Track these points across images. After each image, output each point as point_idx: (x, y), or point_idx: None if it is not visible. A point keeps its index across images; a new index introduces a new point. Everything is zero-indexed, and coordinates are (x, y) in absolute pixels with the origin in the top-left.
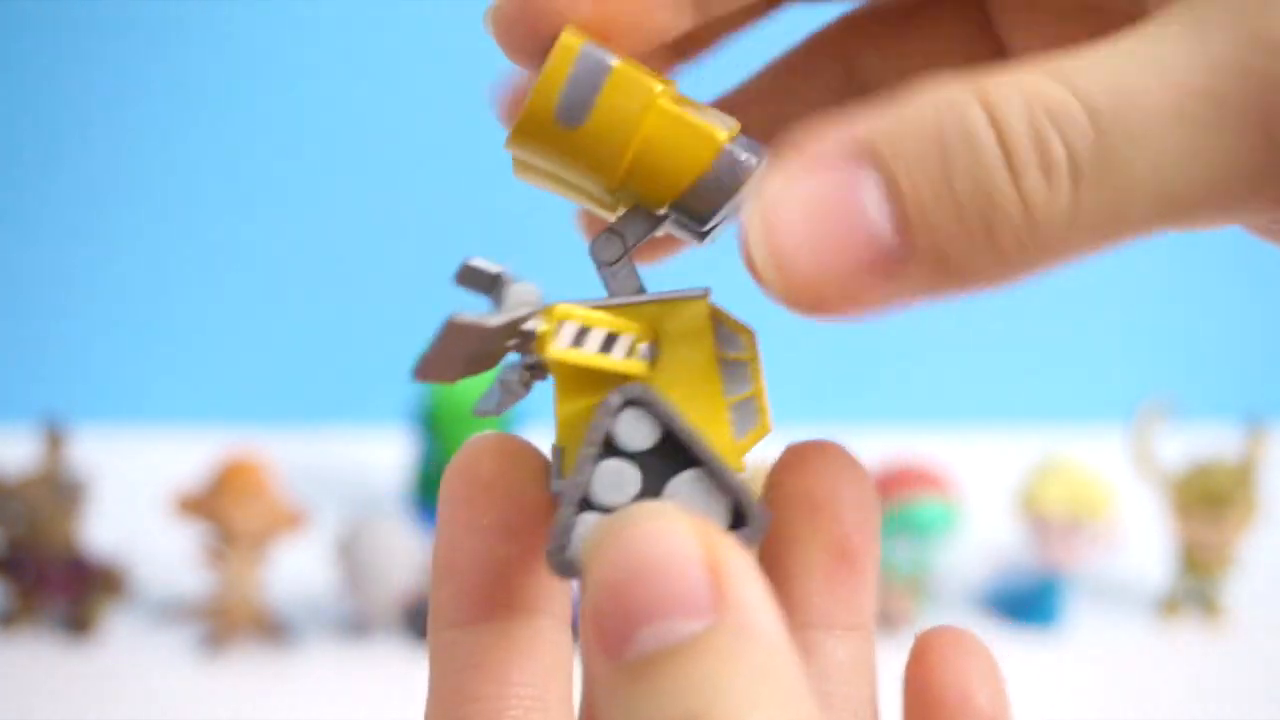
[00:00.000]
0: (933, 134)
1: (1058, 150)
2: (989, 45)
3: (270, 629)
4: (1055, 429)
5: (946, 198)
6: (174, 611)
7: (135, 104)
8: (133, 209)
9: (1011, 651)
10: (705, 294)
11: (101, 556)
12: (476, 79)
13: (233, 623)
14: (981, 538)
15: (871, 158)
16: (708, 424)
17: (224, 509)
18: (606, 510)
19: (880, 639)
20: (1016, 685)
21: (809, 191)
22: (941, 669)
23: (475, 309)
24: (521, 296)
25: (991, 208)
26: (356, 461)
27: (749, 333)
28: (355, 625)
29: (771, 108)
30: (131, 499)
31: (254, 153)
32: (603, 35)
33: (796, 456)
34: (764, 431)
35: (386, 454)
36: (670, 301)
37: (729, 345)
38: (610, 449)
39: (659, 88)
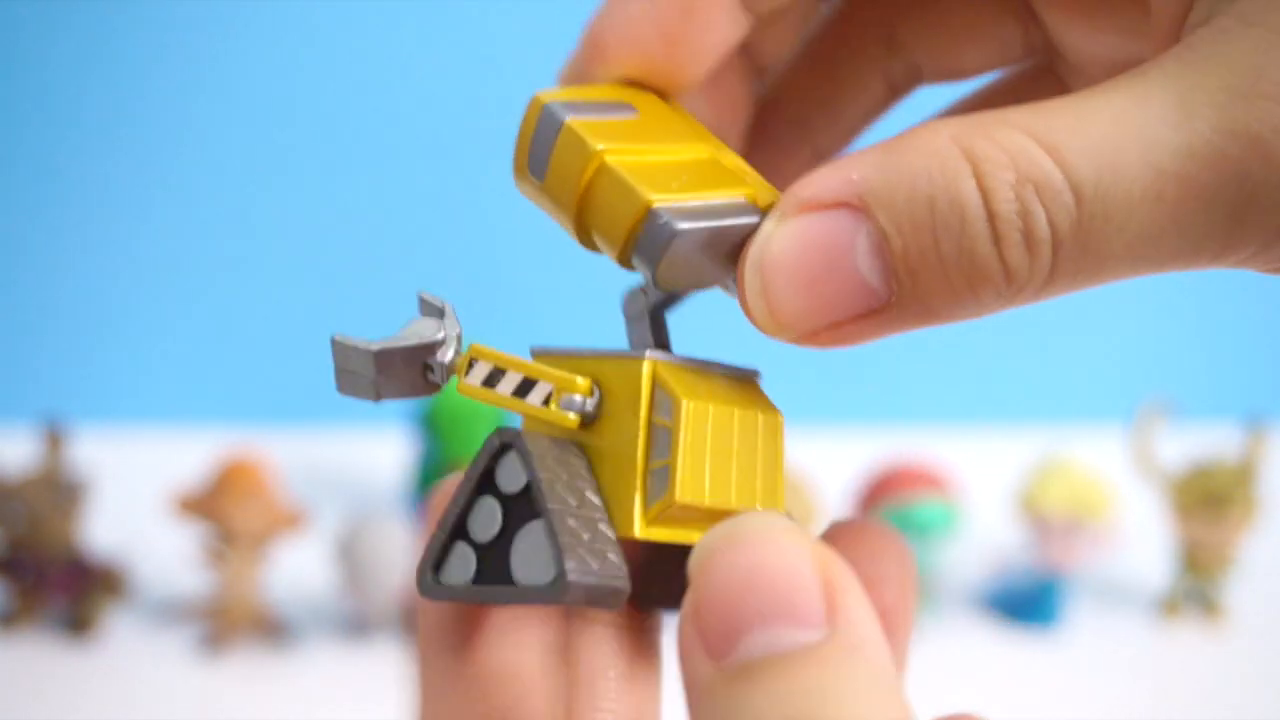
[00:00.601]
0: (924, 196)
1: (1041, 227)
2: (1026, 18)
3: (270, 629)
4: (1055, 429)
5: (933, 258)
6: (174, 611)
7: (135, 105)
8: (133, 209)
9: (1011, 651)
10: (643, 357)
11: (101, 556)
12: (477, 79)
13: (233, 623)
14: (981, 538)
15: (863, 209)
16: (617, 485)
17: (224, 509)
18: (474, 543)
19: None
20: (1016, 685)
21: (801, 236)
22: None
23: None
24: (415, 328)
25: (975, 270)
26: (356, 461)
27: (679, 401)
28: (355, 625)
29: (813, 79)
30: (131, 499)
31: (254, 153)
32: (666, 59)
33: (841, 534)
34: (669, 502)
35: (386, 454)
36: (616, 360)
37: (662, 410)
38: (488, 485)
39: (601, 146)
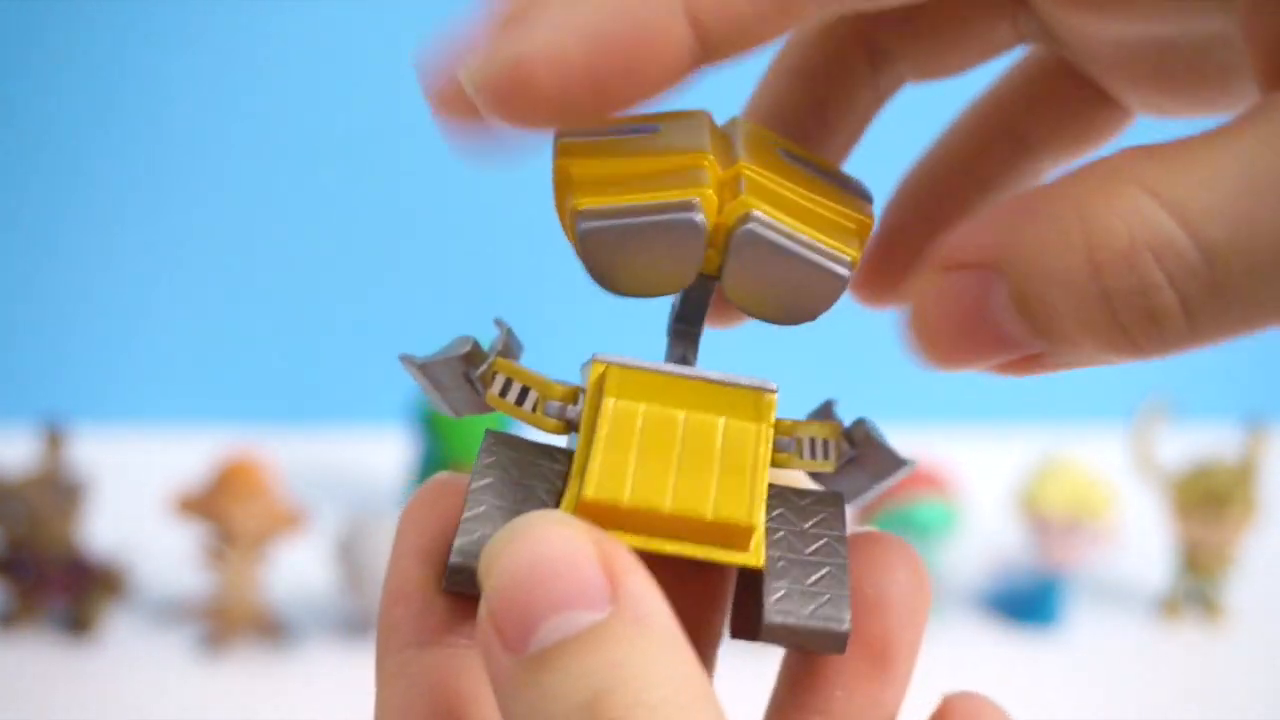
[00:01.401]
0: (1047, 266)
1: (1164, 297)
2: (1015, 9)
3: (270, 629)
4: (1055, 429)
5: (1065, 324)
6: (174, 611)
7: (135, 105)
8: (133, 210)
9: (1011, 651)
10: (593, 360)
11: (101, 556)
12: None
13: (233, 623)
14: (981, 538)
15: (998, 269)
16: (572, 479)
17: (224, 509)
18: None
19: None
20: (1016, 685)
21: (947, 290)
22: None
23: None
24: (452, 344)
25: (1101, 341)
26: (356, 461)
27: (602, 400)
28: (355, 625)
29: (797, 101)
30: (131, 499)
31: (255, 154)
32: (602, 89)
33: (850, 547)
34: (578, 497)
35: (386, 454)
36: (588, 365)
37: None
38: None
39: (564, 160)
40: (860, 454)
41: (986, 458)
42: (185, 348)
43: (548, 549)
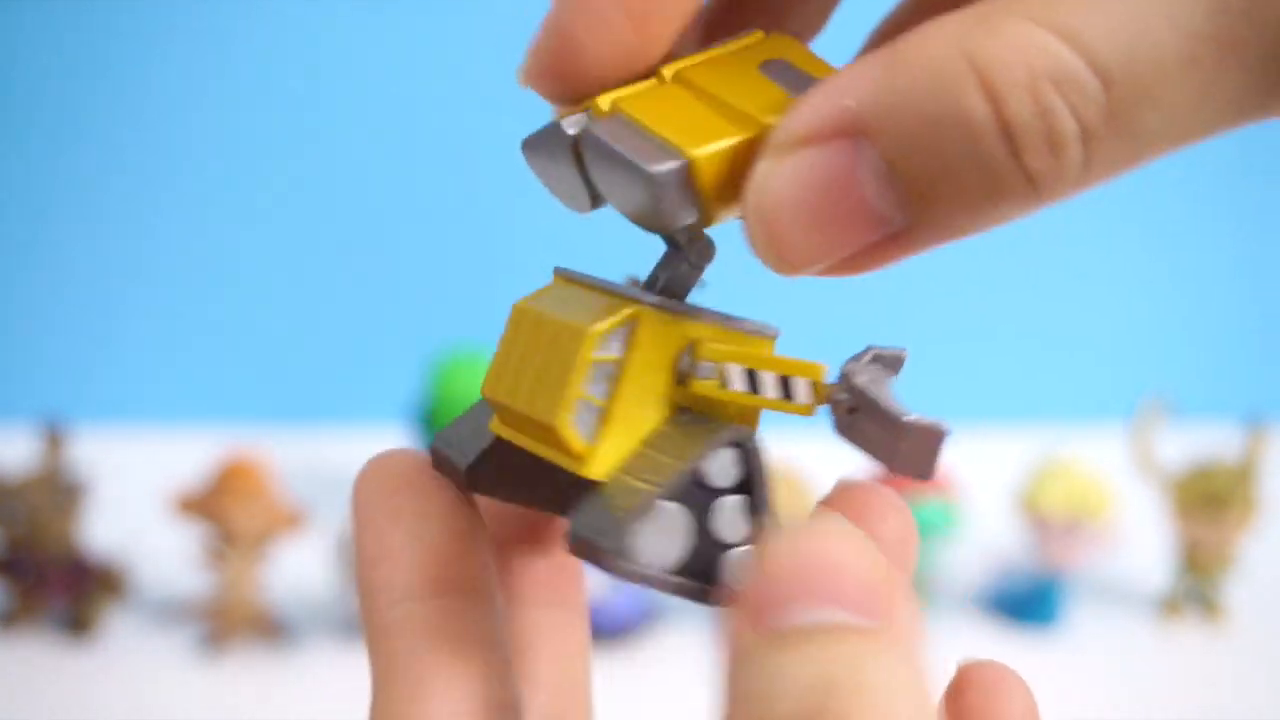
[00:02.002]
0: (929, 117)
1: (1066, 124)
2: None
3: (270, 629)
4: (1055, 429)
5: (948, 180)
6: (174, 611)
7: (135, 106)
8: (133, 210)
9: (1011, 651)
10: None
11: (101, 556)
12: (477, 79)
13: (233, 623)
14: (981, 538)
15: (865, 135)
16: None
17: (224, 509)
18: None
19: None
20: None
21: (801, 174)
22: (982, 708)
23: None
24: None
25: (996, 185)
26: (356, 461)
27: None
28: (355, 625)
29: None
30: (131, 499)
31: (254, 154)
32: (639, 40)
33: (845, 496)
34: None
35: None
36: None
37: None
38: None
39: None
40: (859, 406)
41: (986, 458)
42: (185, 348)
43: (840, 551)
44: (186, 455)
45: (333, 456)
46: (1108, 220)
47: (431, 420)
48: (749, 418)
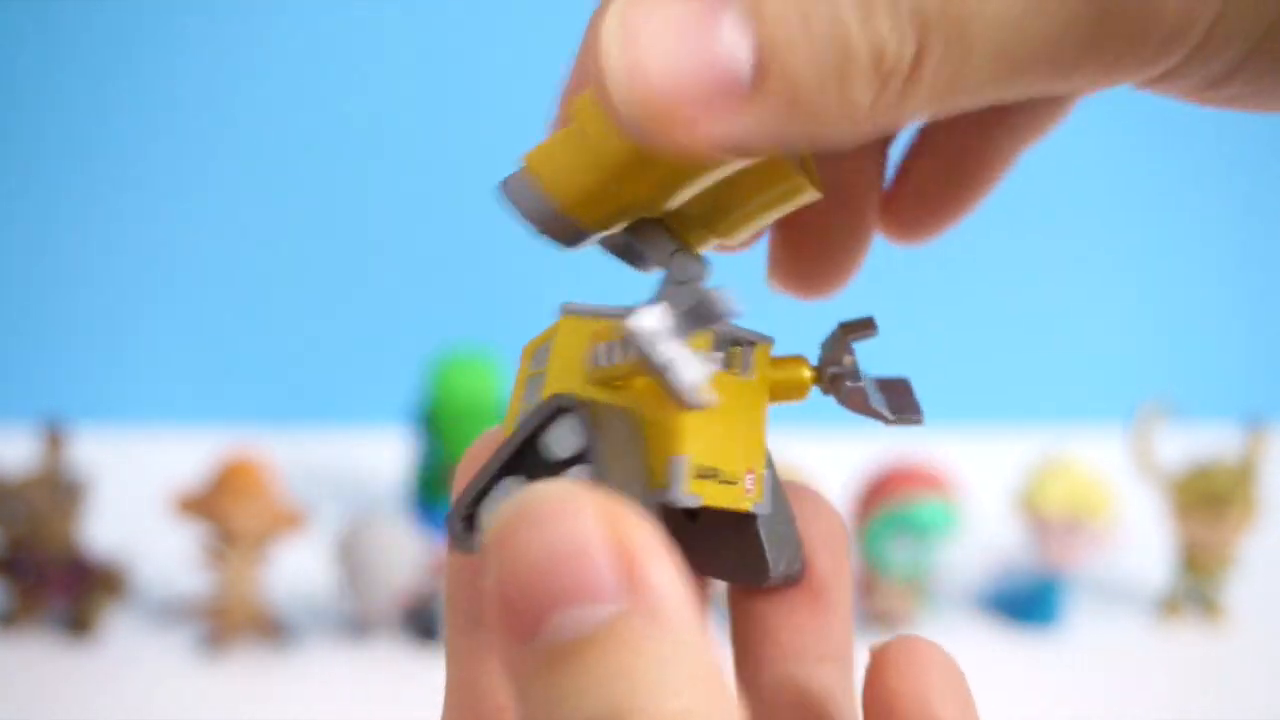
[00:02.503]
0: None
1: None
2: None
3: (270, 629)
4: (1055, 429)
5: (802, 36)
6: (174, 611)
7: (135, 105)
8: (133, 210)
9: (1011, 651)
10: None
11: (101, 556)
12: (478, 82)
13: (233, 623)
14: (981, 538)
15: None
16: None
17: (224, 509)
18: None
19: (881, 641)
20: (1016, 685)
21: (670, 6)
22: (899, 684)
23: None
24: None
25: (845, 52)
26: (356, 461)
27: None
28: (355, 625)
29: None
30: (131, 499)
31: (254, 154)
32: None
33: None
34: None
35: (386, 454)
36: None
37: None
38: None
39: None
40: (845, 375)
41: (986, 458)
42: (185, 348)
43: (556, 529)
44: (186, 455)
45: (333, 457)
46: (1108, 220)
47: (432, 421)
48: (656, 397)
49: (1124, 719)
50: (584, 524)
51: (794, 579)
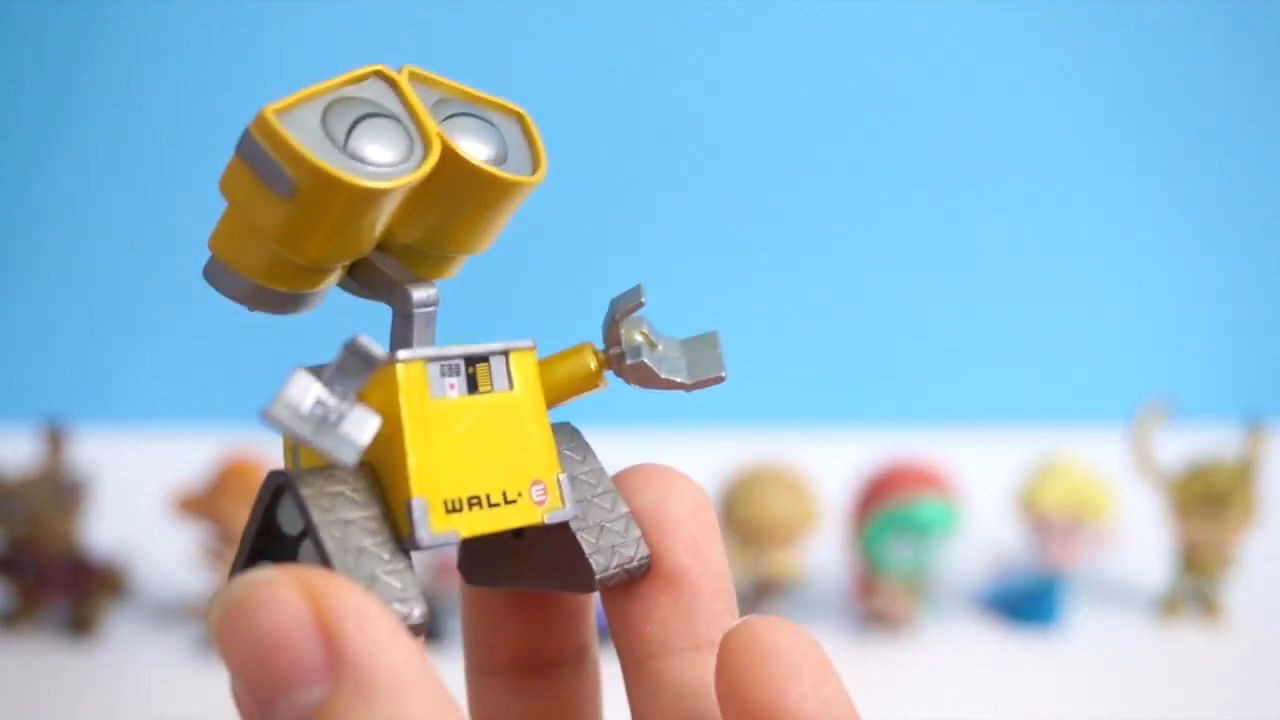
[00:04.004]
0: None
1: None
2: None
3: None
4: (1055, 429)
5: None
6: (174, 611)
7: (136, 105)
8: (133, 209)
9: (1011, 651)
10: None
11: (102, 556)
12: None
13: None
14: (981, 538)
15: None
16: None
17: (224, 509)
18: None
19: (882, 640)
20: (1016, 685)
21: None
22: (741, 674)
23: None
24: None
25: None
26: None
27: None
28: None
29: None
30: (131, 499)
31: None
32: None
33: (628, 480)
34: None
35: None
36: None
37: None
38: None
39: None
40: (626, 353)
41: (986, 458)
42: (185, 348)
43: (259, 623)
44: (186, 455)
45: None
46: (1108, 220)
47: None
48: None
49: (1124, 719)
50: (284, 611)
51: (638, 573)
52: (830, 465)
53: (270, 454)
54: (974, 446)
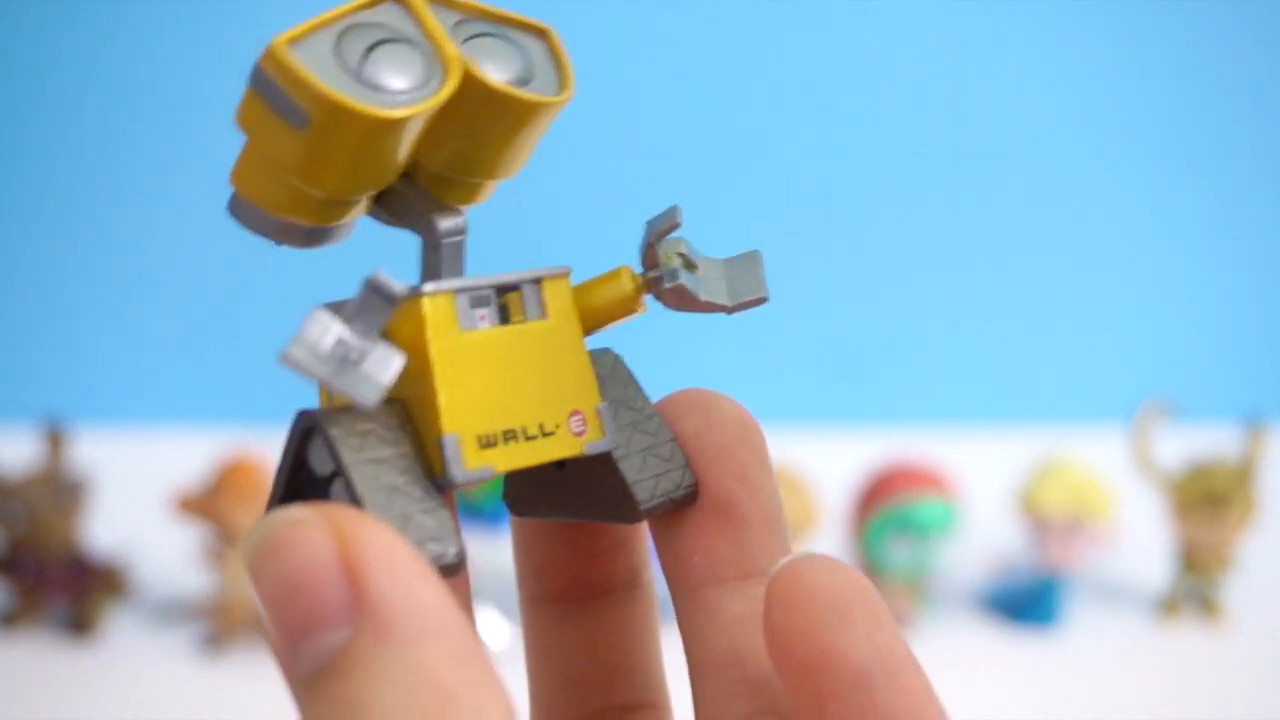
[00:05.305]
0: None
1: None
2: None
3: None
4: (1055, 429)
5: None
6: (174, 611)
7: (135, 105)
8: (133, 209)
9: (1011, 651)
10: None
11: (102, 556)
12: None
13: (233, 623)
14: (981, 538)
15: None
16: None
17: (224, 509)
18: None
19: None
20: (1016, 685)
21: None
22: (787, 620)
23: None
24: None
25: None
26: None
27: None
28: None
29: None
30: (131, 499)
31: None
32: None
33: (672, 405)
34: None
35: None
36: None
37: None
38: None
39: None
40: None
41: (986, 458)
42: (184, 348)
43: (286, 563)
44: (186, 455)
45: None
46: (1108, 221)
47: None
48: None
49: (1124, 719)
50: (310, 552)
51: (684, 502)
52: (830, 465)
53: (270, 454)
54: (974, 446)
